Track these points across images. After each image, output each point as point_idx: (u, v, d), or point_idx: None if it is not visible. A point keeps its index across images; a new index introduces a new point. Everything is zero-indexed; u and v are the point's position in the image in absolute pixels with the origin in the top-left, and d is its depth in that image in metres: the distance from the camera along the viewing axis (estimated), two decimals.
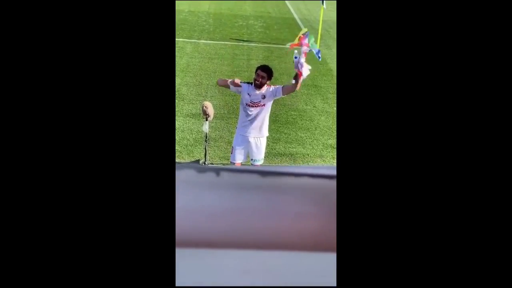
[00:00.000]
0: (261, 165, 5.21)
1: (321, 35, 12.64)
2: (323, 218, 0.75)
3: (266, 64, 5.38)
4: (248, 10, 18.06)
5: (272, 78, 5.06)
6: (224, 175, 0.73)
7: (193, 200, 0.74)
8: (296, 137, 7.09)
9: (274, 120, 7.55)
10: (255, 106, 4.95)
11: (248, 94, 4.96)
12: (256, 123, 5.00)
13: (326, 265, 0.75)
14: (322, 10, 12.27)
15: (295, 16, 17.71)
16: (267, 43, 12.68)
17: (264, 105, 4.95)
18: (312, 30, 14.65)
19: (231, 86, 5.05)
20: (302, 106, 8.32)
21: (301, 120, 7.70)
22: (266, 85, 4.97)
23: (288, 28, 14.86)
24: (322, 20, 12.71)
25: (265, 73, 4.95)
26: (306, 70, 4.78)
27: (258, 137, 5.06)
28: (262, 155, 5.18)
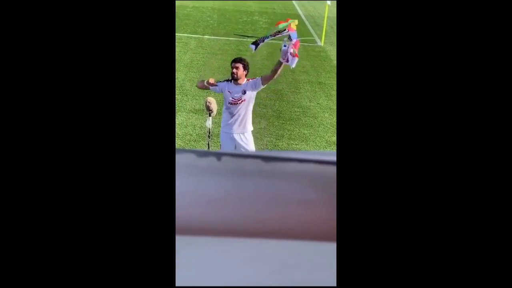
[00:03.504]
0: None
1: (325, 31, 12.61)
2: (326, 206, 0.74)
3: (240, 56, 5.32)
4: (253, 6, 18.03)
5: (248, 69, 5.01)
6: (225, 160, 0.71)
7: (194, 185, 0.73)
8: (300, 134, 7.07)
9: (277, 116, 7.53)
10: (237, 103, 4.93)
11: (229, 91, 4.93)
12: (240, 120, 4.97)
13: (327, 254, 0.74)
14: (327, 7, 12.23)
15: (300, 12, 17.67)
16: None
17: (245, 100, 4.93)
18: (317, 27, 14.61)
19: (210, 87, 5.04)
20: (306, 103, 8.29)
21: (305, 117, 7.68)
22: (245, 78, 4.95)
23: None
24: (327, 17, 12.67)
25: (239, 63, 4.93)
26: (294, 61, 4.70)
27: (243, 133, 5.03)
28: (252, 150, 5.13)
